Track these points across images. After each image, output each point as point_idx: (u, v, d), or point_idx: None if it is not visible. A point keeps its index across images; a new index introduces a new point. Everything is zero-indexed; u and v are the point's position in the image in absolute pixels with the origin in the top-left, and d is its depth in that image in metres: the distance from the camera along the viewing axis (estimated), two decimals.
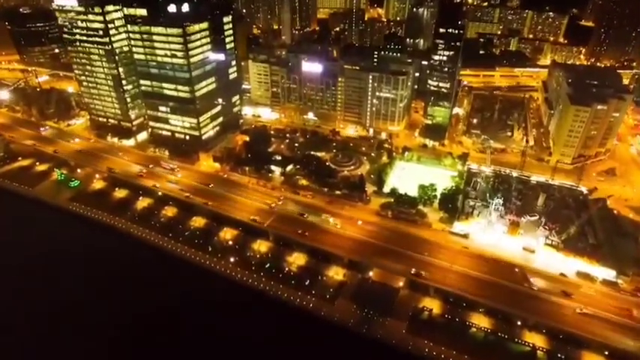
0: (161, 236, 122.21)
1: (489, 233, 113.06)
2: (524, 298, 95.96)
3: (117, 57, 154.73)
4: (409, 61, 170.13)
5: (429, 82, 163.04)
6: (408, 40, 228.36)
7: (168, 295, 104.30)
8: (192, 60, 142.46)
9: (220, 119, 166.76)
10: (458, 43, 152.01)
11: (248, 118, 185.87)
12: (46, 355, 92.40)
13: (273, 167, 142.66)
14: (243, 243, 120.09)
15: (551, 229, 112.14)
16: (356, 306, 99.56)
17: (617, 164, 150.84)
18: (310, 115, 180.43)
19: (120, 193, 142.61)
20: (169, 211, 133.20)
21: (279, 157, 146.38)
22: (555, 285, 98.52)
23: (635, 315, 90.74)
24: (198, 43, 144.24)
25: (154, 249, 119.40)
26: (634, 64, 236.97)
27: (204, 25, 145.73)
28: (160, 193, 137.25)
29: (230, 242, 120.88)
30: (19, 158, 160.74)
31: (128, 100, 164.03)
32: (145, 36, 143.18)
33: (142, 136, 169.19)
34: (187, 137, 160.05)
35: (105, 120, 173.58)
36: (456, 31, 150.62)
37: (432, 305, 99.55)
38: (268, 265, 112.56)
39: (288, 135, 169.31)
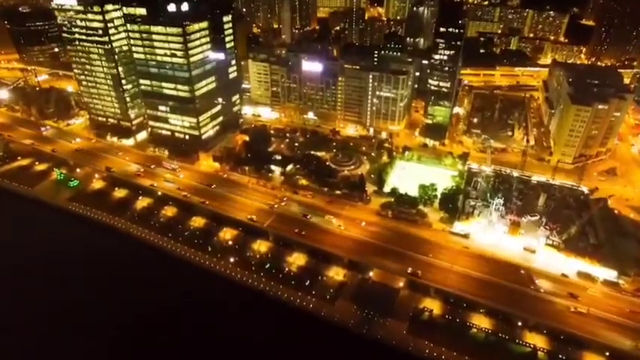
0: (161, 236, 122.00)
1: (490, 233, 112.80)
2: (524, 298, 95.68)
3: (116, 56, 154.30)
4: (409, 60, 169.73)
5: (430, 81, 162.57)
6: (408, 39, 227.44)
7: (168, 295, 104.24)
8: (191, 59, 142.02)
9: (220, 119, 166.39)
10: (458, 43, 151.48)
11: (248, 118, 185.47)
12: (46, 355, 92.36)
13: (273, 167, 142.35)
14: (243, 243, 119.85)
15: (552, 229, 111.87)
16: (356, 306, 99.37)
17: (617, 164, 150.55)
18: (310, 115, 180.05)
19: (119, 193, 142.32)
20: (169, 211, 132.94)
21: (279, 157, 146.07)
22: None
23: None
24: (197, 42, 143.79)
25: (153, 249, 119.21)
26: (635, 63, 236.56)
27: (204, 24, 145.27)
28: (159, 193, 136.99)
29: (230, 242, 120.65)
30: (19, 158, 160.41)
31: (128, 99, 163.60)
32: (144, 35, 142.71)
33: (142, 135, 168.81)
34: (187, 137, 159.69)
35: (104, 119, 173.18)
36: (457, 31, 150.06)
37: (433, 306, 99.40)
38: (268, 265, 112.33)
39: (288, 134, 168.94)
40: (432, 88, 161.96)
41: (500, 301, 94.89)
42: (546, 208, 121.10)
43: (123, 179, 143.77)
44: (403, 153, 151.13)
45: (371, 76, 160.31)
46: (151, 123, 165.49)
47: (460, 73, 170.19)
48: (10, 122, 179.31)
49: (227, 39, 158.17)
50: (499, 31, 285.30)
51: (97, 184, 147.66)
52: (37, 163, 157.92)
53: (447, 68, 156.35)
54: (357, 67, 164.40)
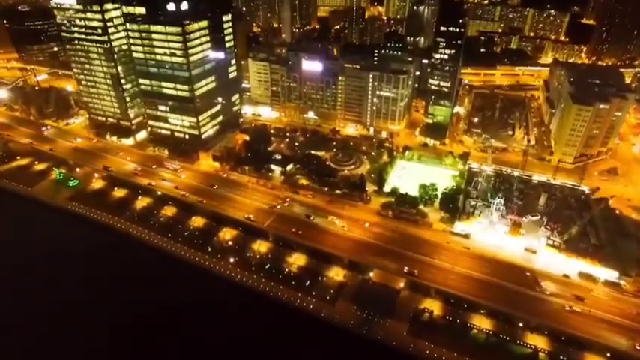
0: (160, 236, 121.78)
1: (490, 233, 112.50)
2: (525, 299, 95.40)
3: (116, 55, 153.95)
4: (410, 59, 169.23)
5: (430, 80, 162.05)
6: (408, 38, 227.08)
7: (168, 295, 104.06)
8: (191, 59, 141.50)
9: (220, 118, 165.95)
10: (459, 42, 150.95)
11: (248, 117, 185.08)
12: (46, 355, 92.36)
13: (273, 167, 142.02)
14: (242, 243, 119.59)
15: (552, 229, 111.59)
16: (356, 307, 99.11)
17: (618, 164, 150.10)
18: (310, 114, 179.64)
19: (119, 193, 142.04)
20: (169, 211, 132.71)
21: (279, 157, 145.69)
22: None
23: None
24: (197, 41, 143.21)
25: (153, 249, 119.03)
26: (636, 62, 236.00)
27: (204, 23, 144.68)
28: (159, 193, 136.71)
29: (230, 242, 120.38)
30: (18, 157, 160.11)
31: (127, 99, 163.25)
32: (143, 34, 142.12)
33: (142, 135, 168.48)
34: (187, 136, 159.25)
35: (104, 119, 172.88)
36: (457, 30, 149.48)
37: (433, 306, 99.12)
38: (268, 265, 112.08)
39: (288, 134, 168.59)
40: (433, 87, 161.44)
41: (501, 301, 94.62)
42: (547, 208, 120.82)
43: (122, 179, 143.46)
44: (403, 153, 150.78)
45: (371, 76, 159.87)
46: (150, 122, 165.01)
47: (460, 73, 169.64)
48: (10, 122, 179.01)
49: (227, 38, 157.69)
50: (499, 30, 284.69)
51: (97, 183, 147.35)
52: (36, 162, 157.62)
53: (447, 67, 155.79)
54: (358, 67, 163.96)
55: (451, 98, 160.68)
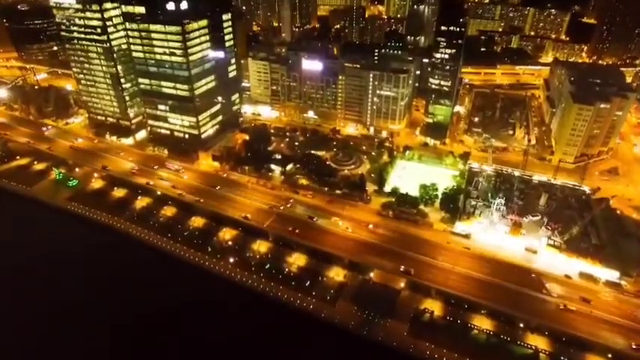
0: (160, 236, 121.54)
1: (491, 233, 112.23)
2: (526, 299, 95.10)
3: (115, 55, 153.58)
4: (410, 58, 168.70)
5: (430, 80, 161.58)
6: (408, 37, 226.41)
7: (168, 295, 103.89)
8: (191, 58, 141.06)
9: (220, 118, 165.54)
10: (459, 41, 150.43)
11: (248, 117, 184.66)
12: (46, 355, 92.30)
13: (273, 166, 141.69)
14: (242, 243, 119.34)
15: (553, 229, 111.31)
16: (357, 307, 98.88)
17: (619, 163, 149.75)
18: (310, 114, 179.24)
19: (118, 193, 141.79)
20: (168, 211, 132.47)
21: (279, 156, 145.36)
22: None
23: None
24: (197, 40, 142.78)
25: (153, 249, 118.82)
26: (637, 61, 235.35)
27: (204, 22, 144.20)
28: (158, 193, 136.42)
29: (229, 242, 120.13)
30: (17, 157, 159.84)
31: (127, 98, 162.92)
32: (143, 34, 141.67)
33: (141, 134, 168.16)
34: (186, 136, 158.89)
35: (103, 118, 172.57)
36: (458, 29, 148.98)
37: (434, 307, 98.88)
38: (268, 265, 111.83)
39: (288, 134, 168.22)
40: (433, 86, 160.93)
41: (501, 302, 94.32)
42: (548, 208, 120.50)
43: (121, 178, 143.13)
44: (404, 152, 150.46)
45: (371, 75, 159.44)
46: (150, 122, 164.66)
47: (461, 72, 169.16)
48: (9, 121, 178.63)
49: (226, 37, 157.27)
50: (500, 30, 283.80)
51: (97, 183, 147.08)
52: (35, 162, 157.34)
53: (447, 67, 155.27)
54: (358, 66, 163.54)
55: (451, 97, 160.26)
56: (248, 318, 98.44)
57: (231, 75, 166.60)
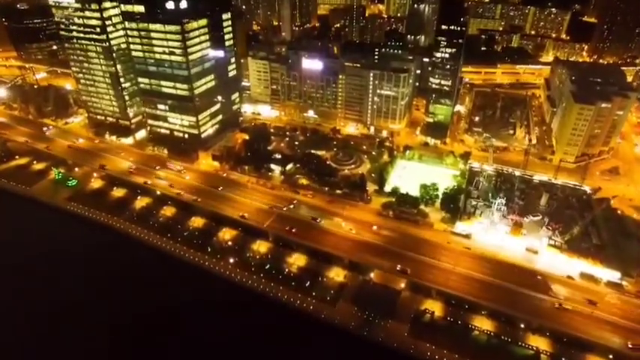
0: (160, 236, 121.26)
1: (492, 234, 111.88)
2: (527, 300, 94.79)
3: (114, 54, 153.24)
4: (410, 58, 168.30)
5: (431, 79, 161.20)
6: (409, 36, 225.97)
7: (168, 295, 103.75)
8: (190, 57, 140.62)
9: (219, 117, 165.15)
10: (460, 40, 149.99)
11: (247, 116, 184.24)
12: (45, 355, 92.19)
13: (273, 166, 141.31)
14: (242, 243, 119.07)
15: (554, 229, 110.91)
16: (357, 308, 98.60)
17: (620, 163, 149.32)
18: (310, 113, 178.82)
19: (118, 193, 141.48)
20: (168, 211, 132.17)
21: (279, 156, 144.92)
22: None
23: None
24: (196, 40, 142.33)
25: (153, 249, 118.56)
26: (637, 60, 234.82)
27: (203, 21, 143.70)
28: (158, 193, 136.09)
29: (229, 243, 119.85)
30: (16, 157, 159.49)
31: (126, 97, 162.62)
32: (142, 33, 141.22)
33: (141, 134, 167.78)
34: (186, 136, 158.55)
35: (103, 118, 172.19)
36: (458, 28, 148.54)
37: (434, 307, 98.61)
38: (268, 266, 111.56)
39: (288, 133, 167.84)
40: (433, 86, 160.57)
41: (502, 303, 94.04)
42: (549, 208, 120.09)
43: (120, 178, 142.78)
44: (404, 152, 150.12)
45: (372, 74, 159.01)
46: (150, 122, 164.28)
47: (461, 71, 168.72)
48: (8, 121, 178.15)
49: (226, 37, 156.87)
50: (500, 29, 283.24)
51: (96, 183, 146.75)
52: (35, 162, 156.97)
53: (448, 66, 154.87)
54: (358, 65, 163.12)
55: (452, 97, 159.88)
56: (248, 318, 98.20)
57: (230, 74, 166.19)
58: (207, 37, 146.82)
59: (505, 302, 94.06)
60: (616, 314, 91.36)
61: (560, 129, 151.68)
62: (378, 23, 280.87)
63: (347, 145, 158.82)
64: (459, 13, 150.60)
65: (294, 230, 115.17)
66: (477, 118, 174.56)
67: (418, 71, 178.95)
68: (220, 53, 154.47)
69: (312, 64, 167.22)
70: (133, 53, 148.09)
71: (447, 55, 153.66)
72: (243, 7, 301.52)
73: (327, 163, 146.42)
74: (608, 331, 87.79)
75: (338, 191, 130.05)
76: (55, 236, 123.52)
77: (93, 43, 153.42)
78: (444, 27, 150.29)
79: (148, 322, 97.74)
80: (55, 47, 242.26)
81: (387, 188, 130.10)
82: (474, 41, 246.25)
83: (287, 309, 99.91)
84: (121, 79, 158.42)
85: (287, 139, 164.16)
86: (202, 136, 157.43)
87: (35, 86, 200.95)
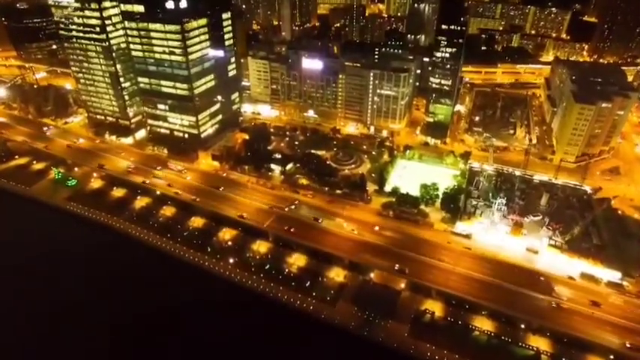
0: (160, 236, 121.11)
1: (492, 234, 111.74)
2: (527, 300, 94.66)
3: (114, 54, 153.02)
4: (410, 57, 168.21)
5: (431, 79, 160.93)
6: (409, 36, 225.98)
7: (168, 295, 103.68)
8: (190, 57, 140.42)
9: (219, 117, 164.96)
10: (460, 40, 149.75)
11: (247, 116, 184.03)
12: (46, 355, 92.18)
13: (273, 166, 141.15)
14: (242, 244, 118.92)
15: (554, 229, 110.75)
16: (357, 308, 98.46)
17: (621, 163, 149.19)
18: (310, 113, 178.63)
19: (118, 193, 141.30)
20: (167, 211, 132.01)
21: (279, 156, 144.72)
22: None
23: None
24: (196, 39, 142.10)
25: (153, 249, 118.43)
26: (638, 60, 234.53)
27: (203, 21, 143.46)
28: (157, 192, 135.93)
29: (229, 243, 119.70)
30: (16, 156, 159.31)
31: (126, 97, 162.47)
32: (142, 33, 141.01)
33: (141, 134, 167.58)
34: (186, 135, 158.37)
35: (103, 118, 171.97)
36: (459, 28, 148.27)
37: (434, 308, 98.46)
38: (268, 266, 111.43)
39: (288, 133, 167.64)
40: (434, 85, 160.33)
41: (502, 303, 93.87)
42: (549, 208, 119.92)
43: (120, 178, 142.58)
44: (404, 152, 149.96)
45: (372, 74, 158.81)
46: (149, 121, 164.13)
47: (461, 71, 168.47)
48: (8, 120, 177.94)
49: (226, 36, 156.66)
50: (501, 28, 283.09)
51: (96, 183, 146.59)
52: (34, 162, 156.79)
53: (448, 66, 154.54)
54: (358, 65, 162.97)
55: (452, 97, 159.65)
56: (248, 318, 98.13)
57: (230, 74, 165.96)
58: (207, 36, 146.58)
59: (505, 302, 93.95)
60: (613, 313, 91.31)
61: (561, 129, 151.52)
62: (378, 23, 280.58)
63: (347, 144, 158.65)
64: (459, 13, 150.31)
65: (292, 230, 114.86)
66: (477, 118, 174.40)
67: (418, 71, 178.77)
68: (220, 53, 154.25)
69: (312, 64, 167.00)
70: (133, 53, 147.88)
71: (447, 55, 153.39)
72: (243, 6, 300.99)
73: (327, 163, 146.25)
74: (609, 332, 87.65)
75: (338, 191, 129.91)
76: (55, 236, 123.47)
77: (93, 42, 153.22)
78: (444, 26, 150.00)
79: (148, 322, 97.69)
80: (54, 47, 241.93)
81: (387, 188, 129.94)
82: (475, 41, 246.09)
83: (287, 309, 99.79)
84: (121, 79, 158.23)
85: (287, 138, 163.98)
86: (202, 135, 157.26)
87: (35, 86, 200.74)
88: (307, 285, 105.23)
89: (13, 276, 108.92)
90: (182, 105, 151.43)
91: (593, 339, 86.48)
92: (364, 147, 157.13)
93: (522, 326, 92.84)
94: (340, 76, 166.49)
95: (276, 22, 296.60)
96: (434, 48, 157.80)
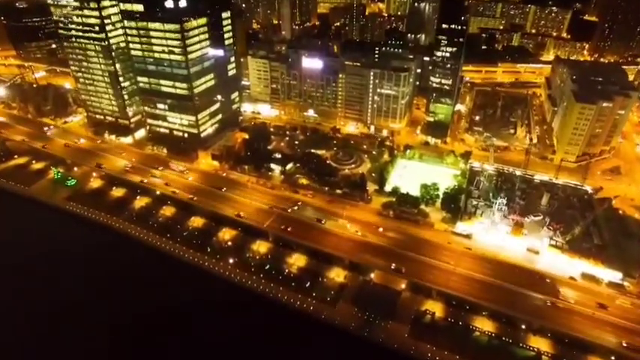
0: (159, 236, 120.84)
1: (493, 234, 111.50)
2: (528, 300, 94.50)
3: (114, 53, 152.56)
4: (411, 57, 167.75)
5: (431, 78, 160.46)
6: (409, 35, 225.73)
7: (168, 295, 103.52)
8: (190, 56, 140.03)
9: (219, 116, 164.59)
10: (461, 39, 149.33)
11: (247, 115, 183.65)
12: (45, 355, 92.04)
13: (272, 165, 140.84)
14: (242, 244, 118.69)
15: (555, 229, 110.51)
16: (357, 309, 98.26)
17: (622, 162, 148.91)
18: (310, 112, 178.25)
19: (117, 192, 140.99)
20: (167, 211, 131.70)
21: (278, 155, 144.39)
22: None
23: None
24: (196, 39, 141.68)
25: (152, 249, 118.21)
26: (639, 59, 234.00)
27: (203, 20, 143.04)
28: (157, 192, 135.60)
29: (229, 243, 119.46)
30: (15, 156, 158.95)
31: (125, 97, 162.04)
32: (142, 32, 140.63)
33: (140, 133, 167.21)
34: (186, 135, 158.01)
35: (102, 117, 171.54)
36: (459, 27, 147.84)
37: (435, 308, 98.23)
38: (268, 266, 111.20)
39: (288, 132, 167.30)
40: (434, 85, 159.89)
41: (503, 303, 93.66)
42: (550, 207, 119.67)
43: (118, 177, 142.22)
44: (404, 151, 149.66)
45: (372, 73, 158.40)
46: (149, 121, 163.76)
47: (462, 70, 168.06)
48: (7, 120, 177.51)
49: (226, 35, 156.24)
50: (501, 27, 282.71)
51: (95, 183, 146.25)
52: (34, 161, 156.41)
53: (448, 65, 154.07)
54: (358, 64, 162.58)
55: (452, 96, 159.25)
56: (248, 318, 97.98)
57: (230, 73, 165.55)
58: (206, 35, 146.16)
59: (506, 303, 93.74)
60: (613, 313, 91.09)
61: (561, 128, 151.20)
62: (378, 22, 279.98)
63: (347, 144, 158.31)
64: (460, 12, 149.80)
65: (289, 229, 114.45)
66: (477, 118, 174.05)
67: (419, 70, 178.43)
68: (220, 52, 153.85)
69: (312, 63, 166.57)
70: (132, 52, 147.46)
71: (447, 54, 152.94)
72: (243, 5, 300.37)
73: (327, 162, 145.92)
74: (610, 332, 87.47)
75: (338, 191, 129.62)
76: (55, 236, 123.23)
77: (92, 41, 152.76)
78: (444, 26, 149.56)
79: (148, 322, 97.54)
80: (54, 46, 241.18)
81: (388, 188, 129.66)
82: (475, 40, 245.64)
83: (287, 309, 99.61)
84: (120, 78, 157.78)
85: (287, 138, 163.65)
86: (202, 135, 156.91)
87: (34, 85, 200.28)
88: (307, 285, 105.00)
89: (12, 276, 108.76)
90: (182, 104, 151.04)
91: (594, 340, 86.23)
92: (364, 146, 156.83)
93: (523, 327, 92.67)
94: (340, 75, 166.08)
95: (276, 21, 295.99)
96: (434, 47, 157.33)
